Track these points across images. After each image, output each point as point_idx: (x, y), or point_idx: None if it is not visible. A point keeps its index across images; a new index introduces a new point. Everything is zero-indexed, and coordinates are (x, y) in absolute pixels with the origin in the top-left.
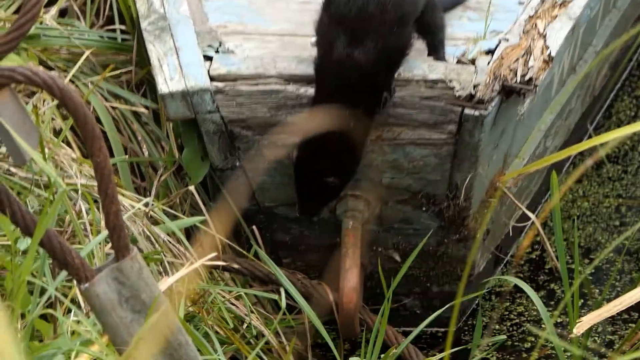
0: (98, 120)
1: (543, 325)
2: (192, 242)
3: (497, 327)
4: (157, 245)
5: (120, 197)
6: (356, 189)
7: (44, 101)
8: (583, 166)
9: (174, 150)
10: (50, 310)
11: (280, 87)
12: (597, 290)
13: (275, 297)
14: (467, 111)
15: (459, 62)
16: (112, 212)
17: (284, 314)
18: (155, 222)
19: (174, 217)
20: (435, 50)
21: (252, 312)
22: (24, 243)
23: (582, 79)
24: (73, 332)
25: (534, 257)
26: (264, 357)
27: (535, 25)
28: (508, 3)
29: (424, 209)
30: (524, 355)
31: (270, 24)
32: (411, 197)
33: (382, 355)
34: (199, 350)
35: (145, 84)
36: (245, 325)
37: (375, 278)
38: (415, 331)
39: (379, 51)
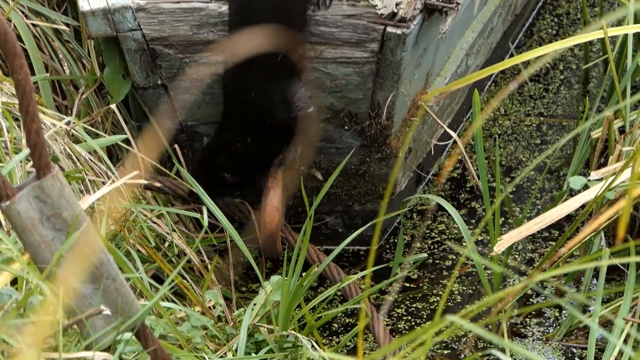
0: (19, 37)
1: (464, 243)
2: (113, 162)
3: (418, 245)
4: (78, 164)
5: (41, 115)
6: None
7: None
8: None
9: (95, 68)
10: None
11: (202, 4)
12: (518, 209)
13: (197, 215)
14: (389, 29)
15: None
16: (33, 130)
17: (206, 232)
18: (77, 141)
19: (95, 136)
20: None
21: (173, 230)
22: None
23: None
24: None
25: (456, 175)
26: (185, 275)
27: None
28: None
29: (346, 127)
30: (445, 273)
31: None
32: (333, 116)
33: (303, 274)
34: (120, 268)
35: (67, 2)
36: (167, 244)
37: (297, 197)
38: (337, 249)
39: None
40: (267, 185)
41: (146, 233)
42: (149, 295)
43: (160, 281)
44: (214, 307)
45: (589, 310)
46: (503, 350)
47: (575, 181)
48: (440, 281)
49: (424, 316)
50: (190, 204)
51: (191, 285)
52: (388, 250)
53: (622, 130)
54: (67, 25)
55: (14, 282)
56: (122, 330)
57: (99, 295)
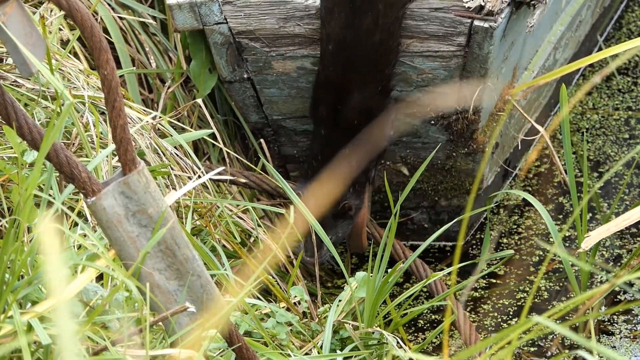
0: (105, 31)
1: (551, 240)
2: (199, 156)
3: (505, 241)
4: (164, 159)
5: (127, 110)
6: None
7: (51, 11)
8: (593, 79)
9: (181, 62)
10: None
11: None
12: (606, 205)
13: (283, 210)
14: (476, 23)
15: None
16: (119, 125)
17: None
18: (163, 135)
19: (181, 130)
20: None
21: (259, 225)
22: (31, 156)
23: None
24: (79, 247)
25: (543, 170)
26: (270, 271)
27: None
28: None
29: (432, 122)
30: (532, 269)
31: None
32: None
33: (389, 270)
34: (205, 264)
35: None
36: (252, 240)
37: (383, 192)
38: (423, 245)
39: None
40: None
41: (231, 228)
42: (234, 292)
43: (246, 277)
44: (299, 303)
45: None
46: (590, 351)
47: None
48: (527, 277)
49: (511, 313)
50: (275, 199)
51: (276, 281)
52: (474, 246)
53: None
54: (154, 18)
55: (99, 278)
56: (207, 327)
57: (183, 292)
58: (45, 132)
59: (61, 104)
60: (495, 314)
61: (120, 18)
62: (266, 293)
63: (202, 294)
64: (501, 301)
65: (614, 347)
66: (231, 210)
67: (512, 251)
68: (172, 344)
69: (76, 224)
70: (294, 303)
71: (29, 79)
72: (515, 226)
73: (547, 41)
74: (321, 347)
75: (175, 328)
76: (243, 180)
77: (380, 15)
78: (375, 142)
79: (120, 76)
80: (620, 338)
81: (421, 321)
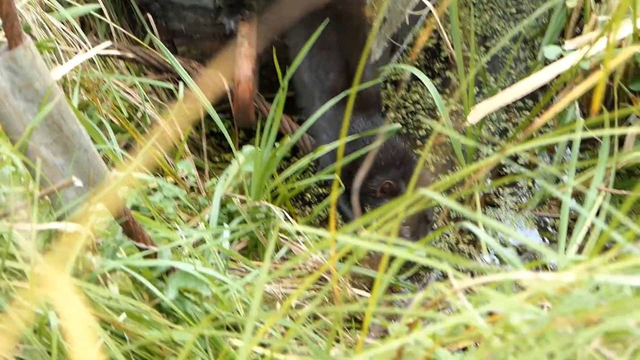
0: None
1: (438, 114)
2: (86, 32)
3: (392, 115)
4: (50, 34)
5: None
6: None
7: None
8: None
9: None
10: None
11: None
12: (493, 79)
13: (170, 85)
14: None
15: None
16: (5, 0)
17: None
18: (49, 10)
19: (68, 5)
20: None
21: (146, 100)
22: None
23: None
24: None
25: (430, 45)
26: (158, 145)
27: None
28: None
29: None
30: (419, 143)
31: None
32: None
33: (277, 144)
34: (92, 139)
35: None
36: (139, 115)
37: (270, 67)
38: (310, 120)
39: None
40: (239, 56)
41: (119, 103)
42: (121, 167)
43: (133, 152)
44: (186, 177)
45: (562, 181)
46: (475, 222)
47: (550, 51)
48: (414, 152)
49: None
50: (163, 73)
51: (164, 156)
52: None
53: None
54: None
55: None
56: (94, 202)
57: (70, 167)
58: None
59: None
60: None
61: None
62: (154, 168)
63: (89, 169)
64: None
65: (500, 219)
66: (118, 86)
67: (398, 125)
68: (59, 219)
69: None
70: (182, 177)
71: None
72: (403, 101)
73: None
74: (208, 220)
75: (62, 202)
76: (130, 55)
77: None
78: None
79: None
80: (506, 210)
81: (308, 195)
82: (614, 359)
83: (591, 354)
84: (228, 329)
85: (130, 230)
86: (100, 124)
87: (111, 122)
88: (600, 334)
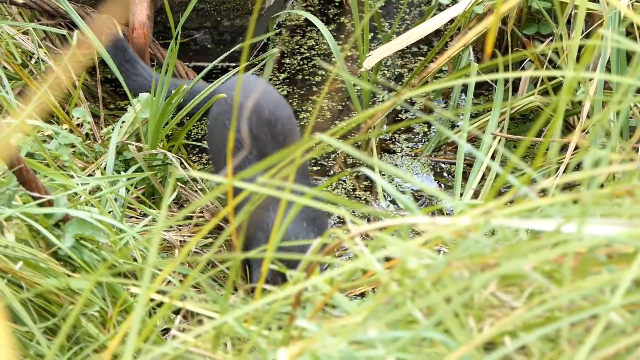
0: None
1: (333, 59)
2: None
3: (287, 61)
4: None
5: None
6: None
7: None
8: None
9: None
10: None
11: None
12: (387, 24)
13: (64, 31)
14: None
15: None
16: None
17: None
18: None
19: None
20: None
21: (40, 47)
22: None
23: None
24: None
25: None
26: (52, 92)
27: None
28: None
29: None
30: (315, 89)
31: None
32: None
33: (172, 91)
34: None
35: None
36: (33, 61)
37: (165, 12)
38: (208, 67)
39: None
40: (133, 0)
41: (12, 50)
42: (14, 114)
43: (28, 100)
44: (81, 125)
45: (458, 126)
46: (372, 168)
47: None
48: (310, 97)
49: None
50: (56, 19)
51: (58, 103)
52: (258, 67)
53: None
54: None
55: None
56: None
57: None
58: None
59: None
60: None
61: None
62: (49, 115)
63: None
64: None
65: (396, 164)
66: (11, 32)
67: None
68: None
69: None
70: (77, 125)
71: None
72: (298, 46)
73: None
74: (105, 168)
75: None
76: (22, 1)
77: None
78: None
79: None
80: (402, 156)
81: (205, 142)
82: (510, 303)
83: (487, 298)
84: (126, 276)
85: (24, 178)
86: None
87: (4, 68)
88: (496, 278)
